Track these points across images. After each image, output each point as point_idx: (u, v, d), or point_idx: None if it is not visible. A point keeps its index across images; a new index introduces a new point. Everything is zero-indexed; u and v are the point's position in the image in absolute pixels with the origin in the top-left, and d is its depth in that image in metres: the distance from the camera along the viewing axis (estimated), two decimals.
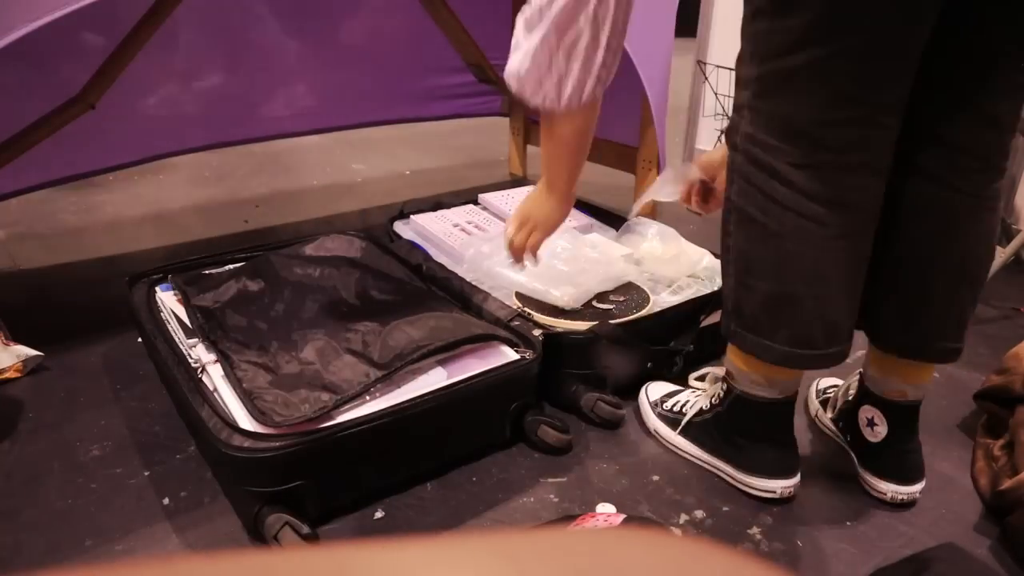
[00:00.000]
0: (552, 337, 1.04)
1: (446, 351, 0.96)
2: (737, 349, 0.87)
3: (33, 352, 1.15)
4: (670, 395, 1.06)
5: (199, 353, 0.99)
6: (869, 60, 0.71)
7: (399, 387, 0.93)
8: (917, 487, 0.92)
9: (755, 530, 0.89)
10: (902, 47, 0.71)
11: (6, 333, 1.17)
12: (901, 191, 0.80)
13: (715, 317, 1.18)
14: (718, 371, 0.99)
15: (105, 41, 1.36)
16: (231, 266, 1.26)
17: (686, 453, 1.01)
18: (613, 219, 1.52)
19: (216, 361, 0.96)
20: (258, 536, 0.81)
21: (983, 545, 0.88)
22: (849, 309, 0.82)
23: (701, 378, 1.08)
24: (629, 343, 1.08)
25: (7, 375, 1.12)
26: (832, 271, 0.78)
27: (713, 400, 0.98)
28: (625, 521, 0.86)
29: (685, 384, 1.10)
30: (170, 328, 1.05)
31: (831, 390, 1.10)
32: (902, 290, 0.85)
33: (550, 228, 0.98)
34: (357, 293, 1.16)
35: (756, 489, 0.93)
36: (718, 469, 0.97)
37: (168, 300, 1.13)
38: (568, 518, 0.86)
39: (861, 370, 0.98)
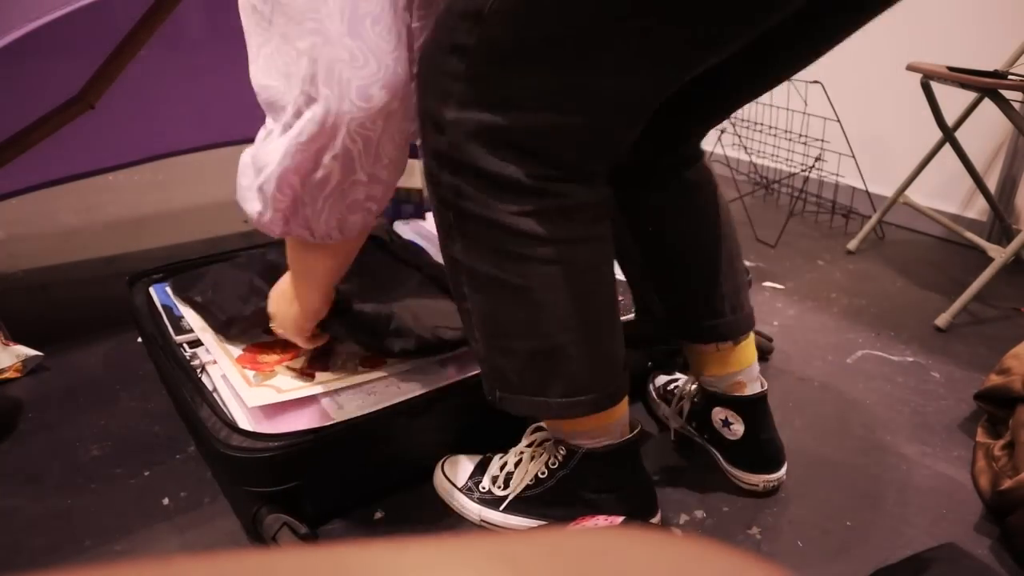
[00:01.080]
0: None
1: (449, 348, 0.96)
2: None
3: (33, 352, 1.15)
4: (474, 475, 0.89)
5: (199, 353, 0.99)
6: None
7: (399, 387, 0.92)
8: (783, 470, 0.95)
9: (755, 530, 0.89)
10: None
11: (6, 333, 1.17)
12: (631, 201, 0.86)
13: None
14: (525, 445, 0.88)
15: (105, 41, 1.36)
16: (224, 262, 1.26)
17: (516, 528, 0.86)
18: None
19: (215, 362, 0.96)
20: (257, 536, 0.81)
21: (983, 545, 0.88)
22: (619, 339, 0.77)
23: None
24: (629, 343, 1.08)
25: (7, 375, 1.12)
26: (590, 308, 0.73)
27: (550, 465, 0.84)
28: (625, 521, 0.86)
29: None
30: (169, 328, 1.05)
31: (672, 386, 1.06)
32: (669, 284, 0.91)
33: (293, 337, 0.89)
34: (353, 295, 1.16)
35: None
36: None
37: (162, 299, 1.13)
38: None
39: (690, 374, 1.00)
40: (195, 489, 0.92)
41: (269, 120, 0.67)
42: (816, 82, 1.91)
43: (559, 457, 0.83)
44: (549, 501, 0.84)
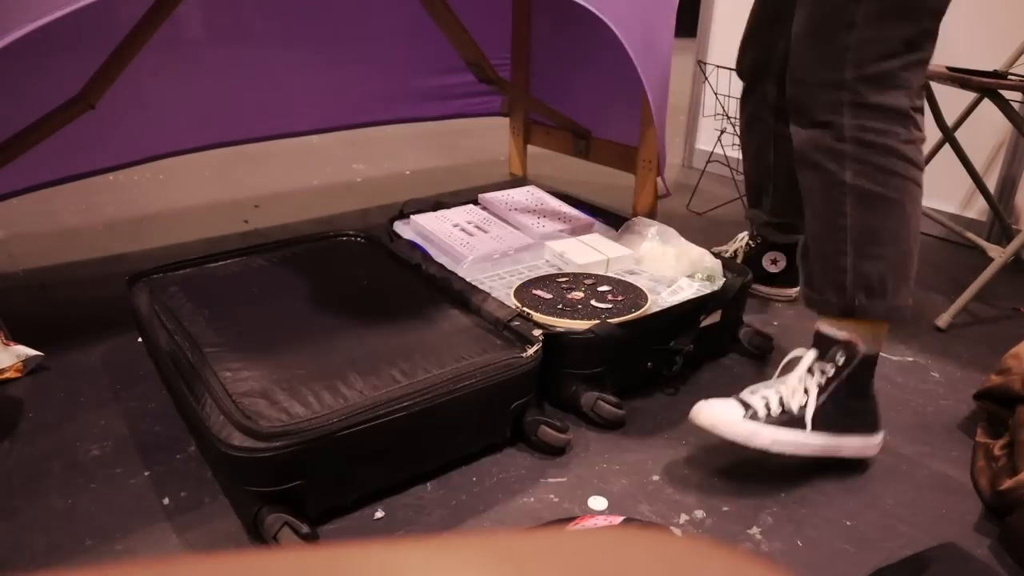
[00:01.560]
0: (552, 337, 1.04)
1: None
2: (854, 318, 0.94)
3: (33, 352, 1.15)
4: (749, 404, 0.95)
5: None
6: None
7: (398, 385, 0.92)
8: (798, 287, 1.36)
9: (755, 530, 0.89)
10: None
11: (6, 333, 1.17)
12: None
13: (715, 317, 1.19)
14: (800, 352, 0.99)
15: (105, 41, 1.36)
16: (224, 262, 1.26)
17: (818, 448, 0.95)
18: (613, 219, 1.53)
19: (207, 363, 0.96)
20: (258, 536, 0.82)
21: (983, 545, 0.88)
22: None
23: (788, 368, 1.00)
24: (629, 343, 1.08)
25: (7, 375, 1.12)
26: (919, 223, 0.95)
27: (828, 375, 0.95)
28: (625, 521, 0.86)
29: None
30: (170, 327, 1.05)
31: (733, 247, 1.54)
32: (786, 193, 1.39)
33: None
34: (354, 293, 1.16)
35: (874, 446, 0.99)
36: (840, 449, 0.96)
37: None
38: (566, 520, 0.86)
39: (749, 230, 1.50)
40: (195, 489, 0.92)
41: None
42: None
43: (830, 369, 0.95)
44: (830, 412, 0.95)
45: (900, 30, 0.86)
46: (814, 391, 0.95)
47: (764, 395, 0.96)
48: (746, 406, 0.95)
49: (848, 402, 0.96)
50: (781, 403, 0.95)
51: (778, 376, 0.99)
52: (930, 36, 0.89)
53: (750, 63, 1.35)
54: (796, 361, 0.99)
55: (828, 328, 0.97)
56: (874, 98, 0.87)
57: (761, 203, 1.45)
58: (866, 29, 0.85)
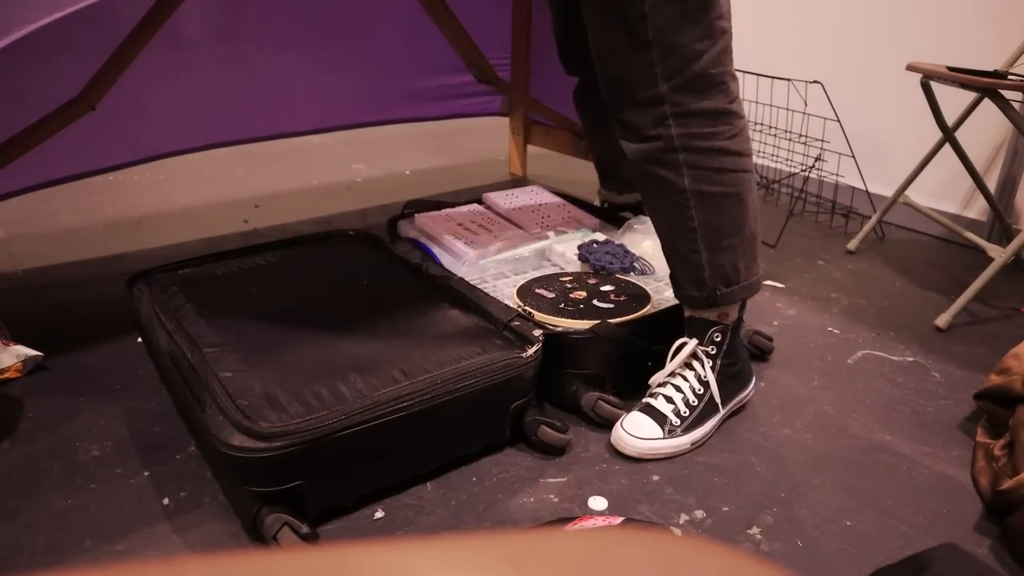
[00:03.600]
0: (552, 336, 1.04)
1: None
2: (716, 307, 1.03)
3: (33, 352, 1.15)
4: (664, 417, 1.01)
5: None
6: None
7: (398, 385, 0.92)
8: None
9: (755, 530, 0.89)
10: None
11: (6, 333, 1.17)
12: None
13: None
14: (684, 340, 1.06)
15: (105, 42, 1.36)
16: (224, 262, 1.26)
17: (719, 420, 1.06)
18: (614, 217, 1.53)
19: (207, 363, 0.96)
20: (258, 536, 0.82)
21: (983, 545, 0.88)
22: None
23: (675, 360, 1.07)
24: (630, 343, 1.08)
25: (7, 375, 1.12)
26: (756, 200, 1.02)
27: (712, 355, 1.04)
28: (625, 521, 0.86)
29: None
30: (170, 327, 1.05)
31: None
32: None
33: None
34: (354, 293, 1.16)
35: (747, 393, 1.11)
36: (723, 406, 1.06)
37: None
38: (565, 520, 0.86)
39: None
40: (195, 489, 0.92)
41: None
42: (816, 82, 1.91)
43: (712, 350, 1.04)
44: (722, 384, 1.05)
45: (691, 32, 0.88)
46: (712, 376, 1.04)
47: (671, 399, 1.03)
48: (662, 420, 1.01)
49: (729, 370, 1.07)
50: (687, 403, 1.03)
51: (669, 364, 1.05)
52: (720, 21, 0.90)
53: (565, 55, 1.43)
54: (680, 349, 1.05)
55: (698, 314, 1.05)
56: (694, 104, 0.91)
57: (608, 180, 1.58)
58: (661, 42, 0.88)
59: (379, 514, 0.89)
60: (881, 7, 1.95)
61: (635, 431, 1.00)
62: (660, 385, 1.05)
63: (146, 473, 0.94)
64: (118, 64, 1.30)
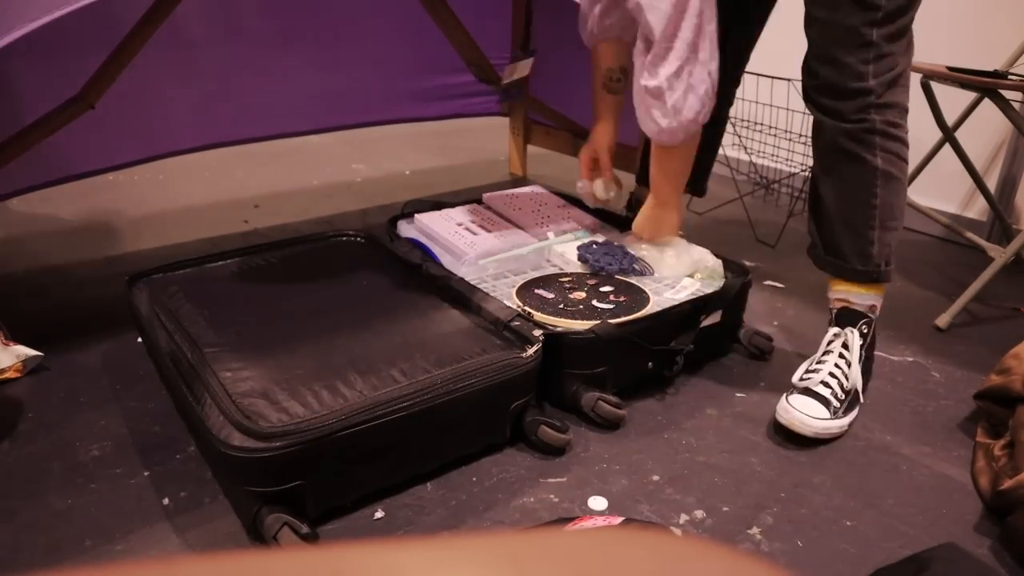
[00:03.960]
0: (552, 337, 1.04)
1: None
2: (877, 283, 1.15)
3: (33, 352, 1.15)
4: (828, 401, 1.06)
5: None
6: None
7: (398, 385, 0.92)
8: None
9: (755, 530, 0.89)
10: None
11: (6, 333, 1.17)
12: None
13: (715, 317, 1.19)
14: (837, 331, 1.14)
15: (105, 41, 1.36)
16: (224, 262, 1.26)
17: (856, 412, 1.12)
18: (614, 218, 1.53)
19: (207, 363, 0.96)
20: (258, 536, 0.81)
21: (983, 545, 0.88)
22: None
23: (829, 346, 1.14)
24: (629, 343, 1.08)
25: (7, 375, 1.12)
26: None
27: (861, 346, 1.13)
28: (625, 521, 0.86)
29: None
30: (170, 327, 1.05)
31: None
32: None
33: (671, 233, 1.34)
34: (353, 295, 1.16)
35: (867, 384, 1.18)
36: (857, 388, 1.11)
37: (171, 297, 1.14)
38: (565, 520, 0.86)
39: None
40: (195, 489, 0.92)
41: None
42: None
43: (859, 340, 1.13)
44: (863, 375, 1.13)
45: (899, 43, 1.05)
46: (857, 368, 1.11)
47: (829, 384, 1.09)
48: (826, 402, 1.06)
49: (867, 364, 1.16)
50: (842, 387, 1.09)
51: (824, 352, 1.13)
52: (911, 41, 1.08)
53: None
54: (835, 339, 1.14)
55: (851, 299, 1.15)
56: (890, 97, 1.06)
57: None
58: (881, 46, 1.03)
59: (379, 514, 0.89)
60: None
61: (807, 410, 1.04)
62: (811, 371, 1.11)
63: (146, 473, 0.94)
64: (118, 63, 1.30)
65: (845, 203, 1.12)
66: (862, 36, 1.03)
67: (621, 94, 1.34)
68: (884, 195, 1.10)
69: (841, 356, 1.11)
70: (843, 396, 1.08)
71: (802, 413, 1.04)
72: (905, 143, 1.11)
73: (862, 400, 1.12)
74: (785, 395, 1.08)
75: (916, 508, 0.93)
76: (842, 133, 1.08)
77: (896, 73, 1.06)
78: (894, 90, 1.07)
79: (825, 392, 1.07)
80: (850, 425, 1.08)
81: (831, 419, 1.05)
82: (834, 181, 1.13)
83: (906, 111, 1.10)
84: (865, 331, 1.14)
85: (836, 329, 1.15)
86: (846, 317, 1.15)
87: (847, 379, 1.09)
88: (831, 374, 1.09)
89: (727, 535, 0.88)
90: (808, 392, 1.07)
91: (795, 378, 1.11)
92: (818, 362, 1.12)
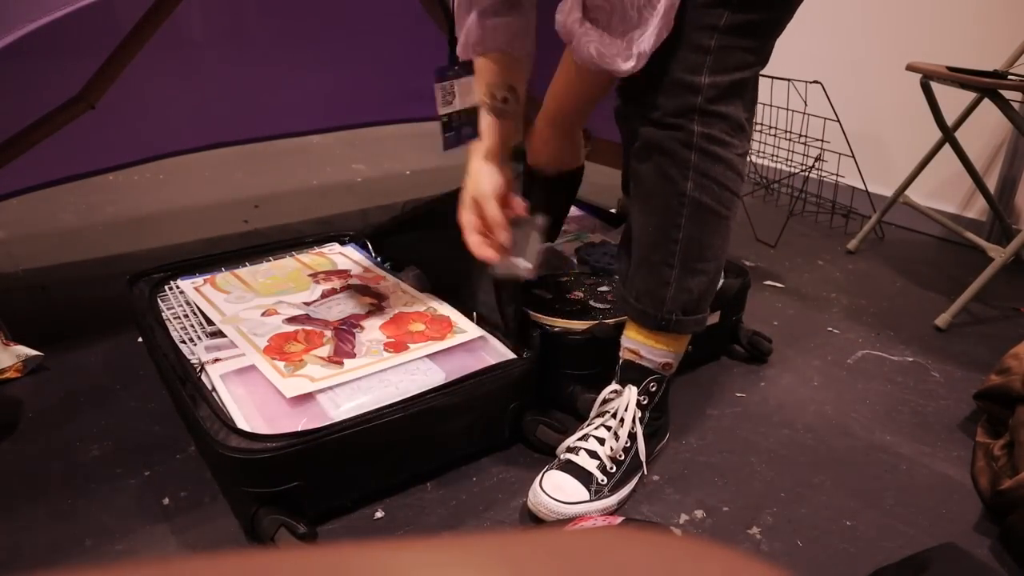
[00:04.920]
0: (549, 337, 1.04)
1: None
2: (676, 335, 0.95)
3: (33, 352, 1.15)
4: (591, 476, 0.90)
5: (199, 352, 0.99)
6: None
7: (396, 387, 0.92)
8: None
9: (755, 530, 0.89)
10: None
11: (6, 333, 1.17)
12: None
13: (714, 318, 1.19)
14: (616, 388, 0.96)
15: (105, 41, 1.36)
16: (225, 263, 1.26)
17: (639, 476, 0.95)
18: (613, 218, 1.53)
19: (215, 361, 0.96)
20: (256, 537, 0.81)
21: (983, 545, 0.88)
22: None
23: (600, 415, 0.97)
24: None
25: (7, 375, 1.12)
26: None
27: (645, 407, 0.96)
28: (625, 521, 0.86)
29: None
30: (170, 327, 1.05)
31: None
32: None
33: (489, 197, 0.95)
34: (353, 293, 1.16)
35: (660, 447, 1.02)
36: (638, 456, 0.94)
37: (188, 291, 1.14)
38: (566, 520, 0.86)
39: None
40: (195, 489, 0.92)
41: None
42: (816, 82, 1.91)
43: (644, 398, 0.96)
44: (647, 436, 0.96)
45: (755, 41, 0.85)
46: (640, 431, 0.94)
47: (597, 454, 0.91)
48: (587, 479, 0.90)
49: (655, 424, 0.99)
50: (613, 459, 0.92)
51: (596, 416, 0.96)
52: (770, 51, 0.89)
53: None
54: (613, 397, 0.96)
55: (641, 351, 0.95)
56: (721, 107, 0.85)
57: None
58: (727, 37, 0.82)
59: (379, 514, 0.89)
60: (881, 7, 1.95)
61: (558, 494, 0.88)
62: (581, 439, 0.94)
63: (146, 473, 0.94)
64: (118, 63, 1.30)
65: (646, 233, 0.91)
66: (710, 17, 0.82)
67: (511, 118, 0.97)
68: (691, 230, 0.88)
69: (616, 418, 0.94)
70: (613, 469, 0.91)
71: (550, 498, 0.87)
72: (735, 169, 0.88)
73: (645, 471, 0.95)
74: (545, 469, 0.92)
75: (916, 508, 0.93)
76: (656, 143, 0.87)
77: (739, 77, 0.85)
78: (729, 100, 0.85)
79: (590, 465, 0.90)
80: (620, 504, 0.91)
81: (591, 501, 0.88)
82: (639, 204, 0.92)
83: (743, 128, 0.88)
84: (654, 389, 0.96)
85: (615, 386, 0.97)
86: (630, 372, 0.96)
87: (620, 448, 0.92)
88: (600, 440, 0.92)
89: (727, 535, 0.88)
90: (568, 466, 0.90)
91: (561, 448, 0.94)
92: (588, 426, 0.95)
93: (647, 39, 0.79)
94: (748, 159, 0.93)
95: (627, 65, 0.80)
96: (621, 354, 0.98)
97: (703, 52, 0.82)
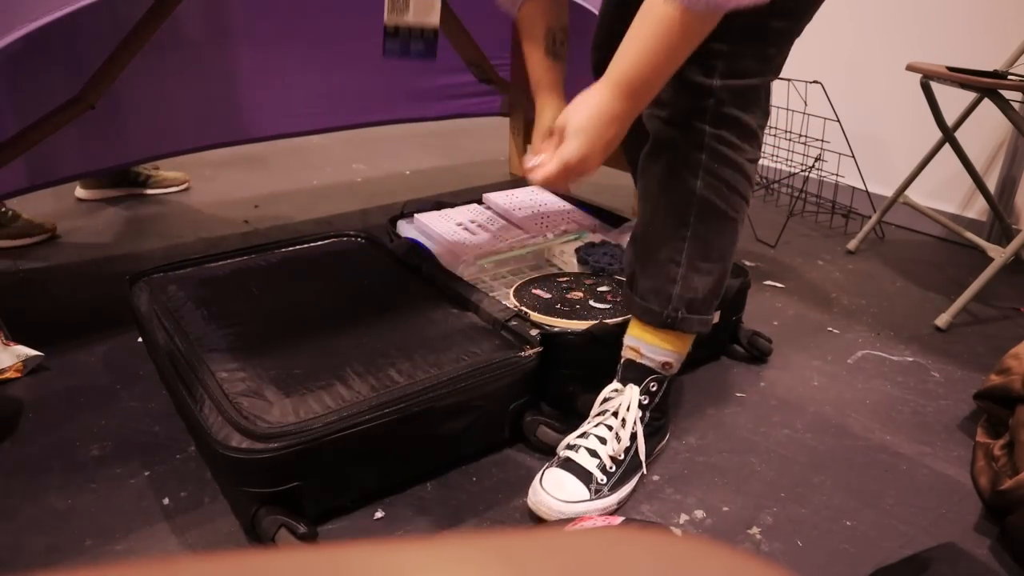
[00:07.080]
0: (549, 337, 1.04)
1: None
2: (679, 334, 0.95)
3: (33, 352, 1.15)
4: (590, 476, 0.90)
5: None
6: None
7: (397, 386, 0.92)
8: None
9: (755, 530, 0.89)
10: None
11: (6, 333, 1.17)
12: None
13: (714, 318, 1.18)
14: (617, 387, 0.96)
15: (105, 41, 1.36)
16: (224, 262, 1.26)
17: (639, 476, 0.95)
18: (613, 218, 1.53)
19: (205, 364, 0.96)
20: (256, 537, 0.81)
21: (983, 545, 0.88)
22: None
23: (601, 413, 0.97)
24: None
25: (7, 375, 1.12)
26: None
27: (646, 406, 0.96)
28: (625, 521, 0.86)
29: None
30: (170, 327, 1.05)
31: None
32: None
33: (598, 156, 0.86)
34: (354, 294, 1.16)
35: (661, 447, 1.02)
36: (638, 456, 0.94)
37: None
38: (566, 520, 0.86)
39: None
40: (195, 489, 0.92)
41: None
42: (816, 82, 1.91)
43: (645, 398, 0.96)
44: (646, 438, 0.96)
45: (770, 48, 0.86)
46: (640, 430, 0.94)
47: (595, 452, 0.91)
48: (587, 478, 0.89)
49: (655, 424, 0.98)
50: (613, 458, 0.91)
51: (597, 415, 0.96)
52: (784, 60, 0.90)
53: (600, 63, 1.14)
54: (613, 396, 0.96)
55: (642, 348, 0.95)
56: (734, 111, 0.86)
57: None
58: (741, 41, 0.83)
59: (379, 514, 0.89)
60: (881, 7, 1.95)
61: (558, 492, 0.88)
62: (582, 436, 0.94)
63: (146, 473, 0.94)
64: (118, 63, 1.30)
65: (653, 229, 0.92)
66: (722, 23, 0.80)
67: (565, 59, 1.05)
68: (699, 228, 0.90)
69: (618, 418, 0.94)
70: (613, 468, 0.91)
71: (551, 496, 0.87)
72: (745, 173, 0.89)
73: (645, 470, 0.95)
74: (545, 466, 0.92)
75: (916, 508, 0.93)
76: (666, 141, 0.89)
77: (752, 83, 0.86)
78: (743, 105, 0.87)
79: (590, 465, 0.90)
80: (620, 503, 0.91)
81: (590, 500, 0.88)
82: (647, 201, 0.93)
83: (755, 135, 0.89)
84: (654, 389, 0.96)
85: (616, 385, 0.97)
86: (631, 371, 0.96)
87: (620, 448, 0.92)
88: (601, 439, 0.92)
89: (727, 535, 0.88)
90: (568, 465, 0.90)
91: (561, 445, 0.94)
92: (588, 424, 0.95)
93: None
94: (756, 165, 0.92)
95: None
96: (623, 352, 0.99)
97: (716, 56, 0.83)
